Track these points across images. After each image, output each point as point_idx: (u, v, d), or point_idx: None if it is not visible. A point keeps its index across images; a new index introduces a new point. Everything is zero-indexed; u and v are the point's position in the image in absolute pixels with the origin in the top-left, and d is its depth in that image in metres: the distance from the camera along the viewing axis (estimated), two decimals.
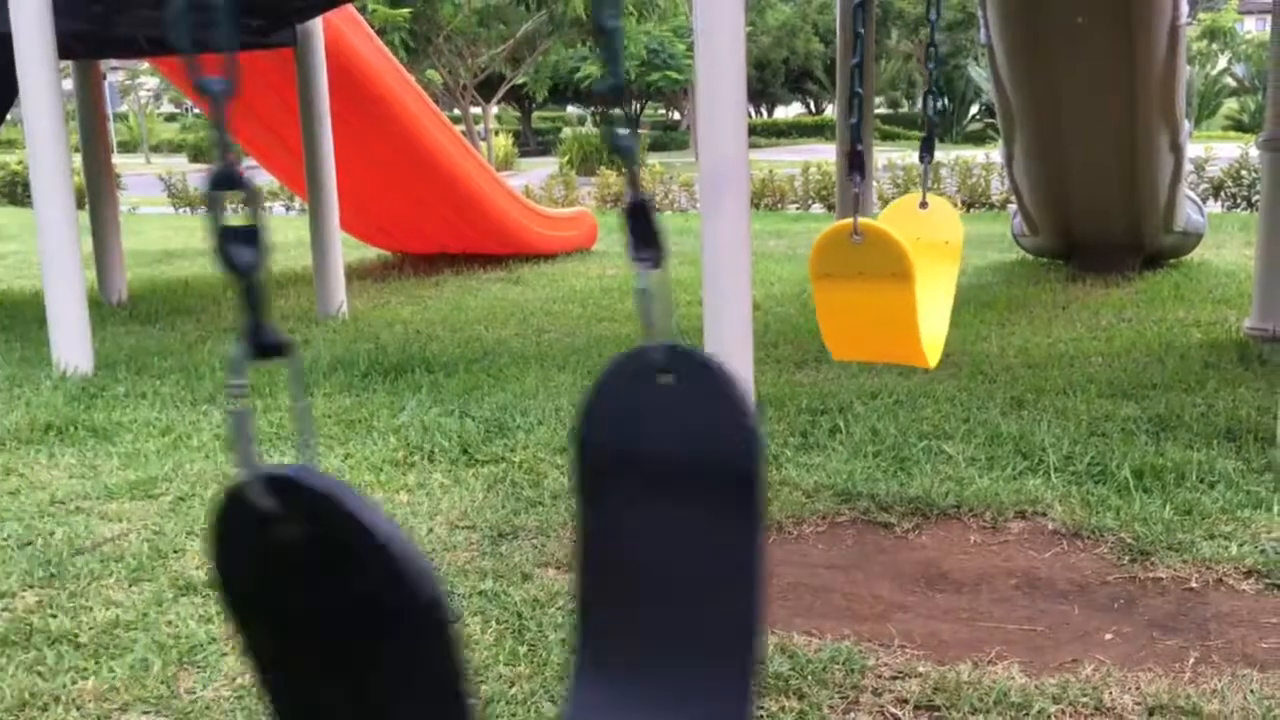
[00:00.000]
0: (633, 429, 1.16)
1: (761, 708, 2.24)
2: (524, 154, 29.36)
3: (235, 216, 0.89)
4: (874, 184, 11.77)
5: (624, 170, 1.09)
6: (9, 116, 7.86)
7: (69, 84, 8.57)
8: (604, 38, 1.06)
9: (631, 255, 1.10)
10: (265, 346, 0.91)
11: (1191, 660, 2.43)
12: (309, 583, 0.94)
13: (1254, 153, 10.16)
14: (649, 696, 1.17)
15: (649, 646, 1.18)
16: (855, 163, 3.13)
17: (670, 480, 1.15)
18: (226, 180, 0.89)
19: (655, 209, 1.11)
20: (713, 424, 1.11)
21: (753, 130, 31.22)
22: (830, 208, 13.16)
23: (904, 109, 37.68)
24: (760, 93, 37.39)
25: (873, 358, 3.44)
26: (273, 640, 1.01)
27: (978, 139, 26.39)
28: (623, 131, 1.07)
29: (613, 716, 1.18)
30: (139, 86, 37.51)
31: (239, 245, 0.89)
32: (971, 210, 13.20)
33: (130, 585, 2.92)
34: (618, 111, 1.08)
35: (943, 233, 3.38)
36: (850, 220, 2.95)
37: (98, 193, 7.97)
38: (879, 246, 2.94)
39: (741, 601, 1.13)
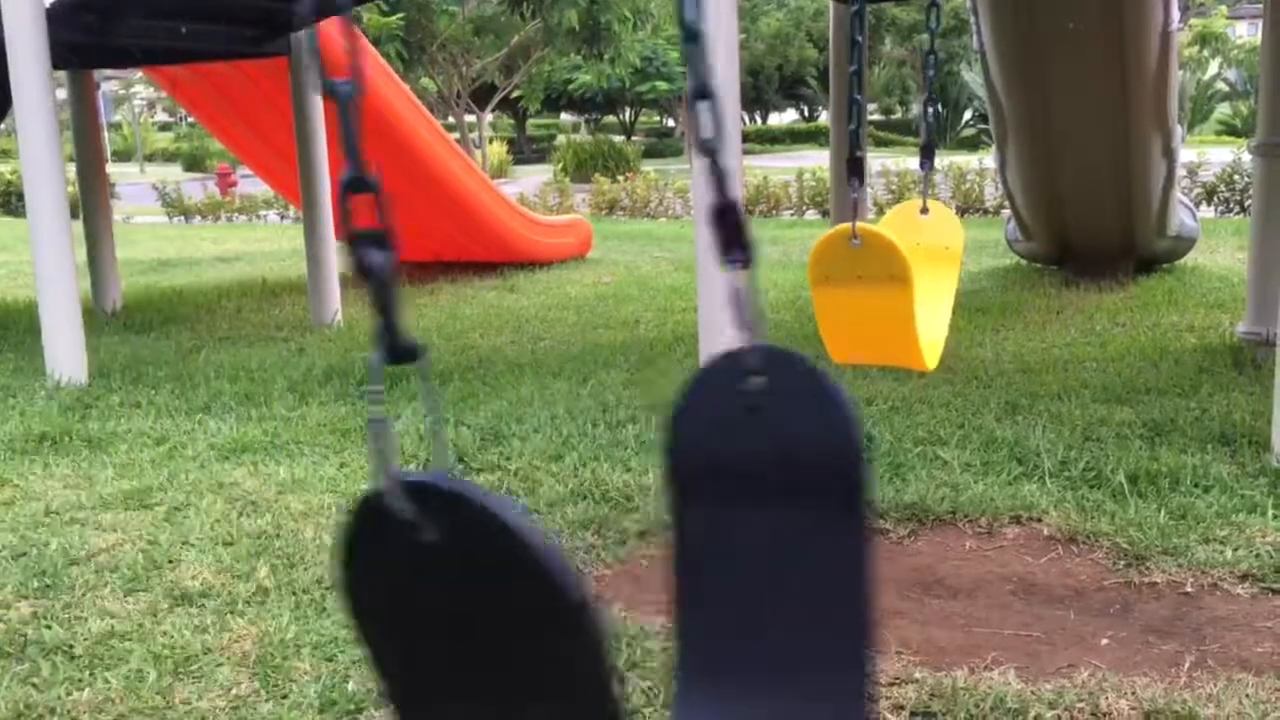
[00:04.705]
0: (727, 435, 1.12)
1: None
2: (518, 161, 29.37)
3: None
4: (869, 190, 11.79)
5: (711, 171, 1.07)
6: (3, 126, 7.86)
7: (63, 93, 8.57)
8: (690, 44, 1.06)
9: (722, 257, 1.08)
10: (398, 351, 0.99)
11: (1187, 665, 2.43)
12: (450, 588, 0.93)
13: (1247, 157, 10.18)
14: (760, 705, 1.13)
15: (757, 655, 1.14)
16: (854, 169, 3.16)
17: (770, 484, 1.11)
18: None
19: (743, 209, 1.10)
20: (811, 425, 1.07)
21: (746, 137, 31.26)
22: (825, 214, 13.16)
23: (897, 115, 37.75)
24: (754, 100, 37.44)
25: (872, 360, 3.46)
26: (404, 648, 0.99)
27: (971, 145, 26.45)
28: (707, 132, 1.06)
29: None
30: (133, 96, 37.53)
31: None
32: (966, 216, 13.22)
33: (125, 596, 2.91)
34: (705, 113, 1.07)
35: (943, 238, 3.41)
36: (849, 225, 2.97)
37: (92, 202, 7.96)
38: (877, 250, 2.97)
39: (853, 603, 1.09)
